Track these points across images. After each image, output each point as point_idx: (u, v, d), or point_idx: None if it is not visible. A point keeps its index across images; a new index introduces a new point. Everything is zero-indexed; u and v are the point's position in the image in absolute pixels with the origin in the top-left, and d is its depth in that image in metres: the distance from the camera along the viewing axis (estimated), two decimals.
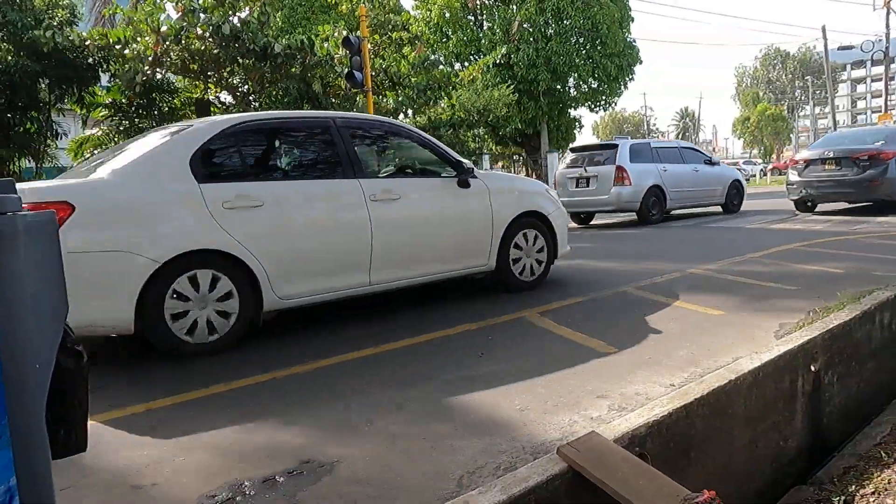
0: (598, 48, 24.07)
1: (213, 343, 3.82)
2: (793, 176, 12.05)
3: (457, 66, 22.35)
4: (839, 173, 11.19)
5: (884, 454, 2.84)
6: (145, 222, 3.71)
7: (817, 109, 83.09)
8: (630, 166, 11.41)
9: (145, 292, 3.56)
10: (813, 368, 3.28)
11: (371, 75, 13.96)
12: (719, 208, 13.43)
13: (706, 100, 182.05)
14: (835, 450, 3.23)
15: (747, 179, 23.96)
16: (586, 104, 25.98)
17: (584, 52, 23.90)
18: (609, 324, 4.21)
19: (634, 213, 11.69)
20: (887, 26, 29.85)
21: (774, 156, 63.16)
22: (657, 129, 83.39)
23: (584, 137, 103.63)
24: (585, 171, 11.67)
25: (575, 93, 25.56)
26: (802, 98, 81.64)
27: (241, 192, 3.98)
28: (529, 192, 5.61)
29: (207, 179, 3.93)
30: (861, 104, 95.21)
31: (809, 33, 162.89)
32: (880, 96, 53.53)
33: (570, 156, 13.05)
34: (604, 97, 25.67)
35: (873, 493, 2.49)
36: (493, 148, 24.36)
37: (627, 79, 25.31)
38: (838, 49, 38.67)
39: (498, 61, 22.46)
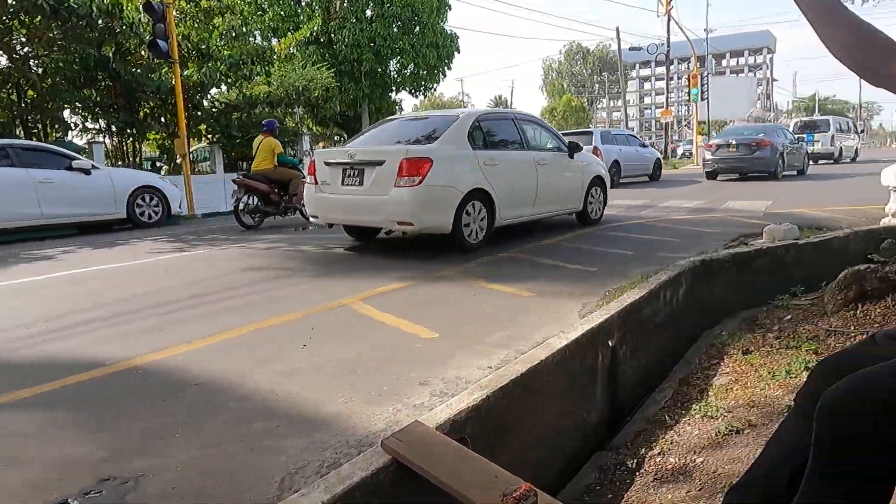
0: (418, 36, 24.36)
1: (476, 244, 6.52)
2: (707, 155, 17.72)
3: (273, 41, 21.39)
4: (738, 154, 16.88)
5: (667, 417, 3.21)
6: (458, 170, 6.36)
7: (612, 103, 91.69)
8: (602, 146, 15.83)
9: (457, 211, 6.23)
10: (610, 344, 3.61)
11: (177, 45, 12.88)
12: (647, 178, 18.91)
13: (518, 89, 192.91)
14: (628, 416, 3.60)
15: None
16: (407, 88, 26.22)
17: (404, 37, 24.03)
18: (430, 309, 4.30)
19: None
20: (668, 32, 33.62)
21: None
22: None
23: None
24: None
25: (397, 76, 25.69)
26: (600, 91, 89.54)
27: (490, 156, 6.76)
28: (596, 163, 8.80)
29: (475, 148, 6.64)
30: (647, 100, 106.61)
31: (606, 33, 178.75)
32: (663, 94, 60.37)
33: None
34: (424, 82, 26.07)
35: (659, 453, 2.80)
36: (314, 128, 23.70)
37: (446, 67, 25.90)
38: (629, 49, 42.73)
39: (316, 37, 21.85)
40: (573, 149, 7.99)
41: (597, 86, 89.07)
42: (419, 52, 24.46)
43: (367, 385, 2.88)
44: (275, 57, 17.94)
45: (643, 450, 2.89)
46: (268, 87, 16.88)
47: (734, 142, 16.98)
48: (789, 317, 4.41)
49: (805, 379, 1.61)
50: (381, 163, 6.23)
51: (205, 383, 2.97)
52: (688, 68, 40.19)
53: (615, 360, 3.63)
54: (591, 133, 16.79)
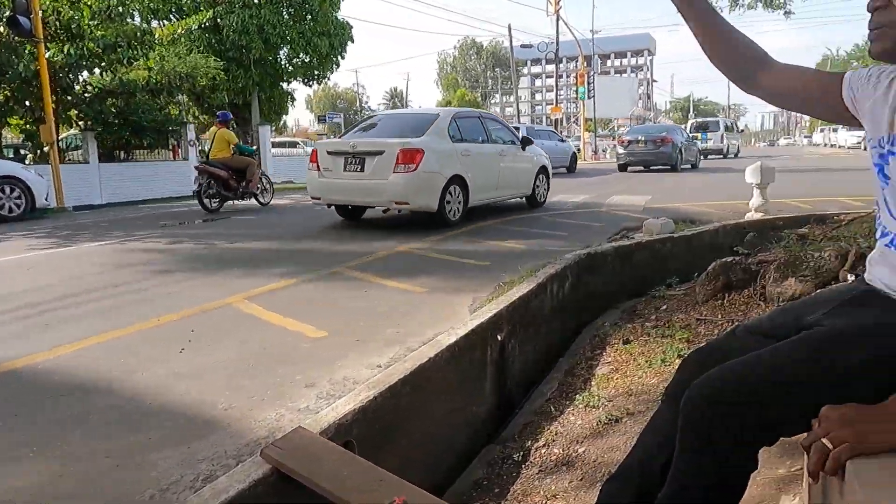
0: (310, 24, 23.67)
1: (455, 221, 7.71)
2: (620, 150, 20.93)
3: (154, 23, 20.11)
4: (645, 149, 19.77)
5: (553, 408, 3.30)
6: (442, 160, 7.60)
7: (504, 98, 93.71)
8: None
9: (441, 193, 7.45)
10: (499, 338, 3.66)
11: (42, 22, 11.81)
12: (565, 169, 20.65)
13: (413, 81, 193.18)
14: (517, 409, 3.67)
15: None
16: (299, 78, 25.44)
17: (294, 25, 23.28)
18: (320, 307, 4.19)
19: None
20: (557, 31, 34.69)
21: None
22: (369, 106, 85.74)
23: (298, 112, 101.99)
24: None
25: (288, 66, 24.86)
26: (493, 87, 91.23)
27: (465, 148, 8.08)
28: (542, 155, 10.27)
29: (453, 141, 7.95)
30: (538, 96, 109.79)
31: (499, 30, 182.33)
32: (553, 91, 62.42)
33: None
34: (316, 72, 25.40)
35: (544, 444, 2.88)
36: (200, 118, 22.47)
37: (339, 57, 25.34)
38: (521, 46, 43.82)
39: (204, 24, 20.76)
40: (525, 142, 9.57)
41: (490, 81, 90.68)
42: (310, 40, 23.77)
43: (250, 389, 2.75)
44: (155, 41, 16.84)
45: (529, 442, 2.95)
46: (147, 73, 15.84)
47: (642, 138, 20.02)
48: (665, 307, 4.66)
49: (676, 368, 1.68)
50: (380, 152, 7.34)
51: (70, 392, 2.73)
52: (576, 67, 41.80)
53: (504, 353, 3.69)
54: (518, 128, 18.50)
